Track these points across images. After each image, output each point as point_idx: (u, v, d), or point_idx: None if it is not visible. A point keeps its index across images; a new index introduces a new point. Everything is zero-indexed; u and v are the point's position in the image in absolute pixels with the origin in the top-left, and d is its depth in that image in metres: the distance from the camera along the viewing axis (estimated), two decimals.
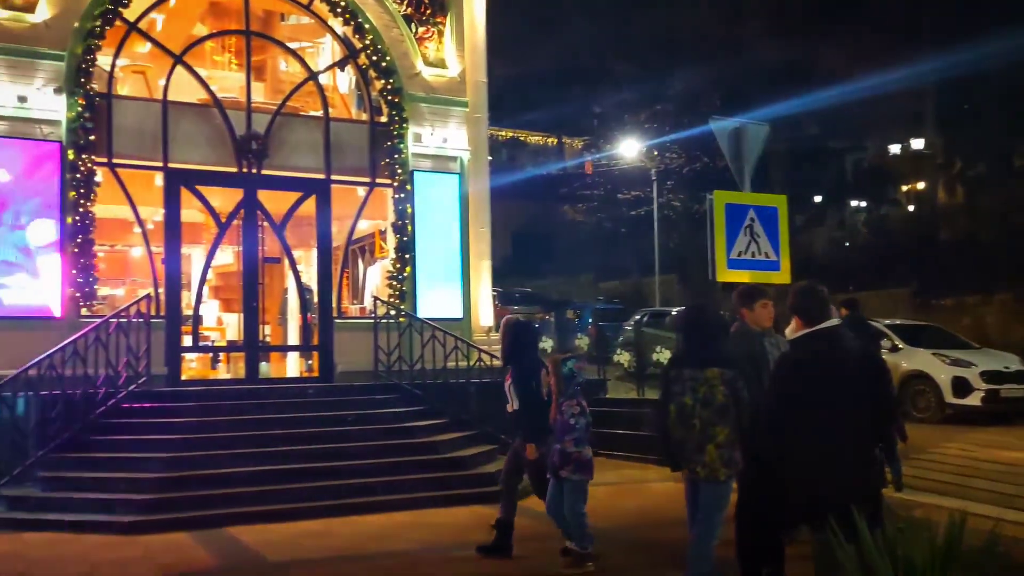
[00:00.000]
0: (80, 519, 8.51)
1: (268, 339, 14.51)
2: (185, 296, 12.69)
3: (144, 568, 7.22)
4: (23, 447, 9.37)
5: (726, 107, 22.03)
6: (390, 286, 13.18)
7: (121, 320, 10.55)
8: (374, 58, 13.29)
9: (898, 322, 16.98)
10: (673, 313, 18.18)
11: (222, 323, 14.98)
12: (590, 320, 21.63)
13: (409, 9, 13.72)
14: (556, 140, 44.83)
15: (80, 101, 11.42)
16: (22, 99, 11.16)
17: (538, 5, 34.83)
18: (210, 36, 14.25)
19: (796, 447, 4.58)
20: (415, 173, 13.42)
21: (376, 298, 12.97)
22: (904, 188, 40.52)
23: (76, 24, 11.57)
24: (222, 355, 14.22)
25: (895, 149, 42.40)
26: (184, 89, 12.50)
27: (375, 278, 14.29)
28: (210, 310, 14.76)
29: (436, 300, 13.40)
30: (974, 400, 14.33)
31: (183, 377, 11.96)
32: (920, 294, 24.91)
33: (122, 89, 12.81)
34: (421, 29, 13.79)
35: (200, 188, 12.25)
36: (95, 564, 7.30)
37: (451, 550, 7.65)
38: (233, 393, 11.22)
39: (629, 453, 12.06)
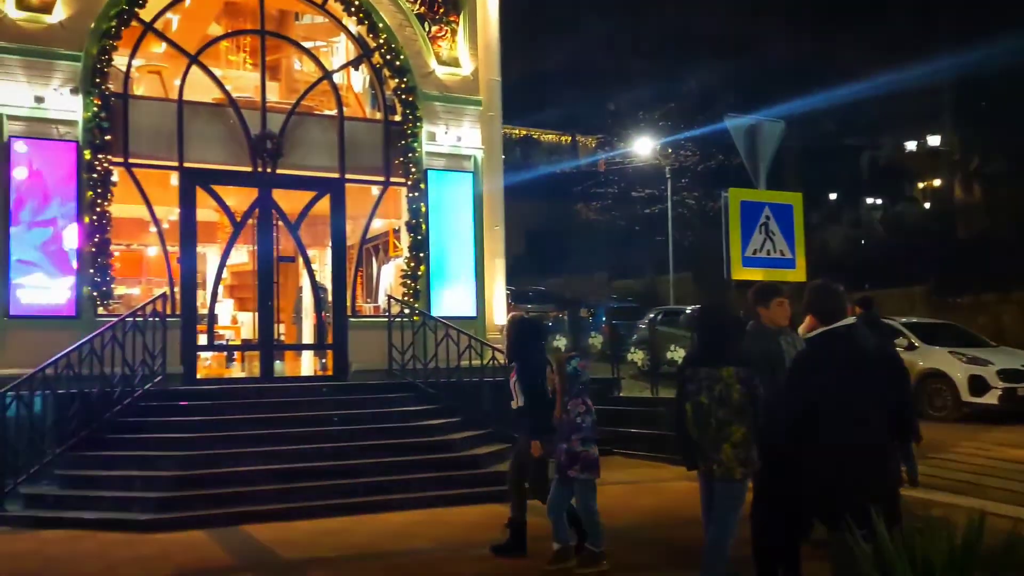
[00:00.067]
0: (97, 517, 8.56)
1: (283, 338, 14.58)
2: (200, 295, 12.78)
3: (160, 566, 7.24)
4: (40, 445, 9.44)
5: (741, 104, 21.90)
6: (404, 285, 13.19)
7: (137, 319, 10.62)
8: (388, 57, 13.31)
9: (914, 320, 16.89)
10: (687, 311, 18.09)
11: (237, 322, 15.08)
12: (604, 318, 21.57)
13: (422, 8, 13.73)
14: (570, 138, 44.68)
15: (96, 101, 11.49)
16: (39, 99, 11.24)
17: (552, 3, 34.78)
18: (225, 36, 14.35)
19: (813, 446, 4.56)
20: (429, 172, 13.43)
21: (390, 297, 13.00)
22: (920, 185, 40.22)
23: (92, 24, 11.64)
24: (237, 354, 14.32)
25: (911, 146, 42.01)
26: (199, 89, 12.56)
27: (389, 277, 14.30)
28: (225, 309, 14.86)
29: (450, 299, 13.41)
30: (991, 399, 14.25)
31: (198, 376, 12.01)
32: (937, 292, 24.72)
33: (138, 89, 12.90)
34: (434, 28, 13.80)
35: (215, 187, 12.31)
36: (112, 562, 7.34)
37: (468, 549, 7.63)
38: (248, 392, 11.29)
39: (644, 452, 12.04)
